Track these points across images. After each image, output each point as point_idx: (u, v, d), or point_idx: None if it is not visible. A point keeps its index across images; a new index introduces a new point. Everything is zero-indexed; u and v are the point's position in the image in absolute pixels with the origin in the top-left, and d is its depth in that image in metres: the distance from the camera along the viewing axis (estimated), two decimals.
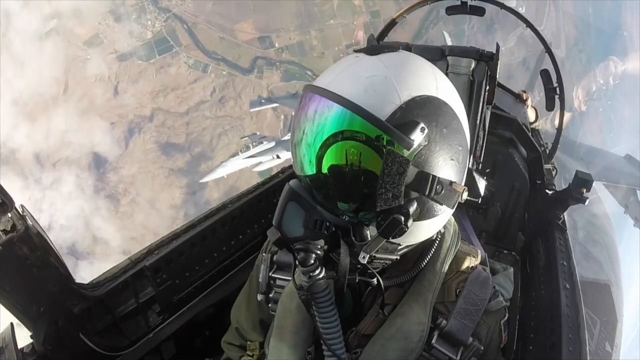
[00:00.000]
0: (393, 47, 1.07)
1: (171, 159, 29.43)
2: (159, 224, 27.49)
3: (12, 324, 1.44)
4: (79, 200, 27.99)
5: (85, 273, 25.40)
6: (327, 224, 0.99)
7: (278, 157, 20.18)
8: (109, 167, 28.72)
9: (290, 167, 2.60)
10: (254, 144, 20.59)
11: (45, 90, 27.59)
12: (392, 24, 3.20)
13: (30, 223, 1.42)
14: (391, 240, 0.98)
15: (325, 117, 0.96)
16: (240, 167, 20.95)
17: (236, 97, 30.55)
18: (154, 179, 29.08)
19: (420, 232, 1.05)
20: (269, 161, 20.56)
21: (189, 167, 29.55)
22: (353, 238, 0.99)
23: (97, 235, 27.57)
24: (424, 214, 1.00)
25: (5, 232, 1.34)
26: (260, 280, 1.39)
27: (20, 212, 1.38)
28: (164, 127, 29.52)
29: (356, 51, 1.07)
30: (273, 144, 20.37)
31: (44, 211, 27.25)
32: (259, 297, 1.39)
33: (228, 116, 30.41)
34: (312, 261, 1.00)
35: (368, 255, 1.00)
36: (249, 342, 1.51)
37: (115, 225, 28.00)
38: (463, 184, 1.05)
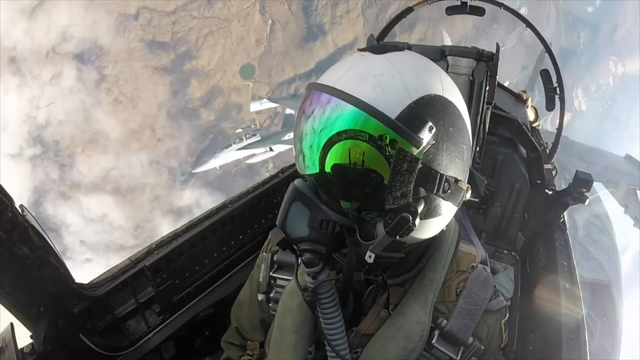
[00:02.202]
0: (398, 47, 1.06)
1: (156, 57, 28.08)
2: (140, 122, 26.56)
3: (12, 324, 1.43)
4: (79, 94, 26.66)
5: (83, 167, 24.93)
6: (333, 223, 0.99)
7: (271, 149, 20.07)
8: (92, 67, 27.40)
9: (290, 166, 2.61)
10: (247, 136, 20.44)
11: None
12: (392, 23, 3.19)
13: (30, 223, 1.42)
14: (398, 238, 0.98)
15: (333, 116, 0.95)
16: (233, 159, 20.85)
17: None
18: (137, 78, 27.77)
19: (425, 230, 1.04)
20: (262, 153, 20.43)
21: (173, 66, 28.29)
22: (359, 237, 0.99)
23: (96, 128, 26.37)
24: (430, 212, 1.00)
25: (5, 232, 1.33)
26: (260, 280, 1.39)
27: (20, 212, 1.38)
28: (149, 25, 28.02)
29: (360, 50, 1.07)
30: (260, 137, 20.31)
31: (42, 108, 26.12)
32: (260, 296, 1.38)
33: (216, 17, 28.75)
34: (318, 262, 1.00)
35: (374, 255, 0.99)
36: (249, 342, 1.51)
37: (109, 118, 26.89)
38: (466, 182, 1.05)
